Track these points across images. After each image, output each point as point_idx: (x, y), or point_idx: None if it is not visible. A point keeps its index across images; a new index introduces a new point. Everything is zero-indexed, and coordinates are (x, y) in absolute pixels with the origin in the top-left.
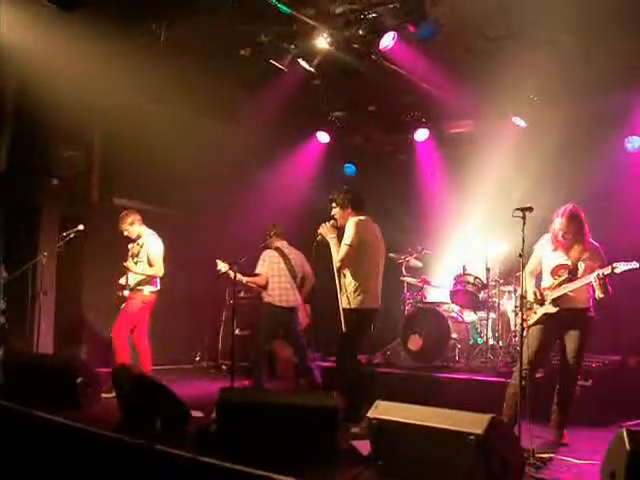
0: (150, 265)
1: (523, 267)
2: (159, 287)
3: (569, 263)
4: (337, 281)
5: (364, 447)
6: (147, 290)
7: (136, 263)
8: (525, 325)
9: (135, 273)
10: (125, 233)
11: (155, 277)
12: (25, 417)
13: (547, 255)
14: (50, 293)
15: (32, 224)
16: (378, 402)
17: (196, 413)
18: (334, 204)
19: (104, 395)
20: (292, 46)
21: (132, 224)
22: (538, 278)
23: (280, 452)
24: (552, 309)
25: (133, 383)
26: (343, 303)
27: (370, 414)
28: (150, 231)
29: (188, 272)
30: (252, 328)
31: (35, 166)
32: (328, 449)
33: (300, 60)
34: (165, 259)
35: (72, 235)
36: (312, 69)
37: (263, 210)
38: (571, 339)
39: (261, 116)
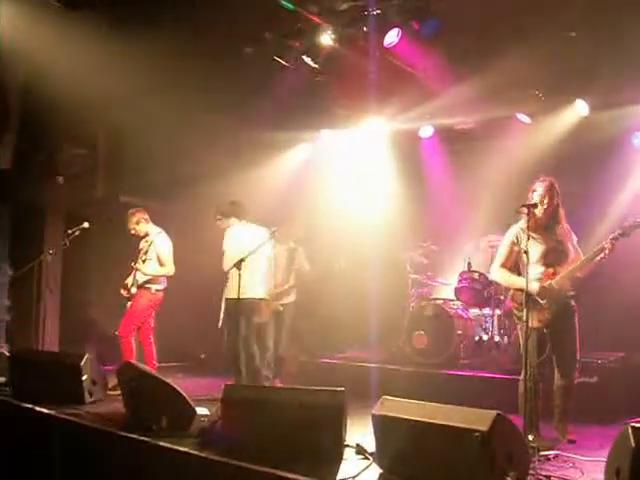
0: (161, 264)
1: (527, 264)
2: (166, 285)
3: (557, 245)
4: None
5: (369, 444)
6: (154, 288)
7: (144, 261)
8: (532, 325)
9: (145, 274)
10: (132, 232)
11: (166, 276)
12: (31, 414)
13: (529, 245)
14: (55, 291)
15: (37, 222)
16: (384, 398)
17: (201, 410)
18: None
19: (110, 393)
20: (297, 43)
21: (138, 223)
22: (512, 272)
23: (285, 449)
24: (564, 299)
25: (138, 381)
26: None
27: (375, 411)
28: (158, 229)
29: (193, 269)
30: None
31: (40, 164)
32: (333, 446)
33: (305, 57)
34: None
35: (77, 233)
36: (317, 66)
37: (267, 207)
38: (567, 331)
39: (266, 113)
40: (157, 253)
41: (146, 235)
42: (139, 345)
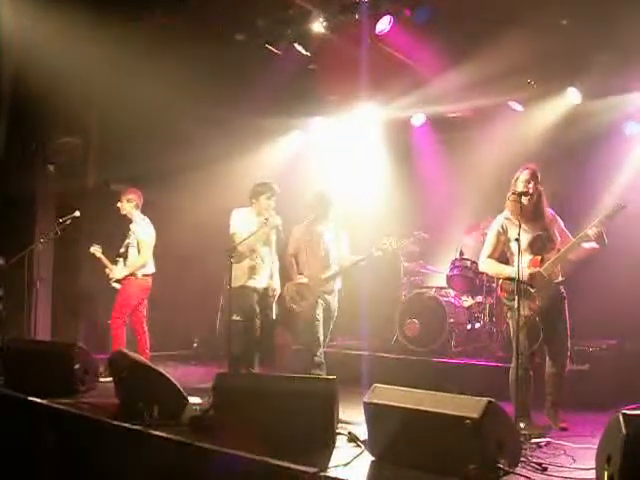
0: (138, 252)
1: (519, 252)
2: (154, 270)
3: (542, 233)
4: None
5: (361, 432)
6: (140, 273)
7: (127, 247)
8: (524, 313)
9: (119, 275)
10: (118, 205)
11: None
12: (23, 403)
13: (515, 234)
14: (47, 280)
15: (28, 211)
16: (375, 386)
17: (193, 399)
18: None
19: (102, 380)
20: (288, 31)
21: (129, 201)
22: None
23: (276, 437)
24: (554, 286)
25: (129, 369)
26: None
27: (367, 398)
28: (142, 216)
29: (186, 258)
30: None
31: (31, 152)
32: (324, 434)
33: (296, 45)
34: (158, 245)
35: (68, 221)
36: (308, 54)
37: None
38: (557, 319)
39: (258, 101)
40: (137, 240)
41: (129, 220)
42: (132, 334)
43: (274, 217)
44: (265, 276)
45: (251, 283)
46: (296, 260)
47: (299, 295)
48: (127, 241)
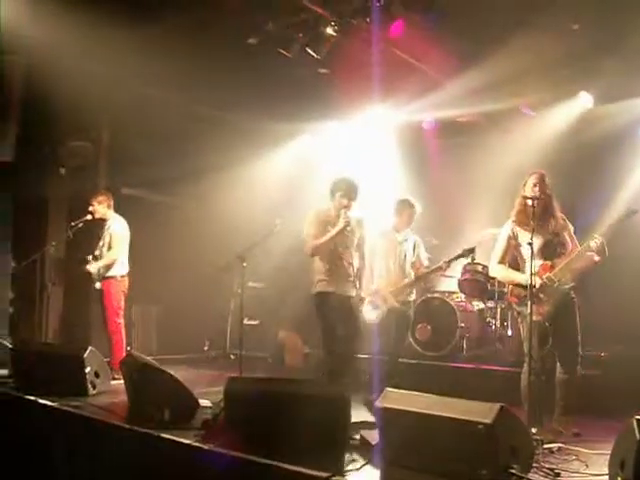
0: (110, 248)
1: (532, 256)
2: (128, 269)
3: (552, 238)
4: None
5: (373, 436)
6: (119, 275)
7: (103, 245)
8: (536, 318)
9: (97, 267)
10: (90, 209)
11: (115, 261)
12: (34, 406)
13: (525, 238)
14: (58, 283)
15: (40, 214)
16: (387, 390)
17: (204, 402)
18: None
19: (113, 382)
20: (300, 35)
21: (100, 203)
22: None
23: (288, 441)
24: (564, 291)
25: (141, 372)
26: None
27: (379, 403)
28: (116, 215)
29: (197, 261)
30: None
31: (43, 156)
32: (336, 439)
33: (308, 49)
34: (166, 248)
35: (80, 225)
36: (320, 57)
37: (271, 199)
38: (568, 324)
39: (269, 105)
40: (111, 236)
41: (103, 220)
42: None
43: (345, 216)
44: (347, 281)
45: (331, 289)
46: (371, 266)
47: (372, 304)
48: (101, 242)
